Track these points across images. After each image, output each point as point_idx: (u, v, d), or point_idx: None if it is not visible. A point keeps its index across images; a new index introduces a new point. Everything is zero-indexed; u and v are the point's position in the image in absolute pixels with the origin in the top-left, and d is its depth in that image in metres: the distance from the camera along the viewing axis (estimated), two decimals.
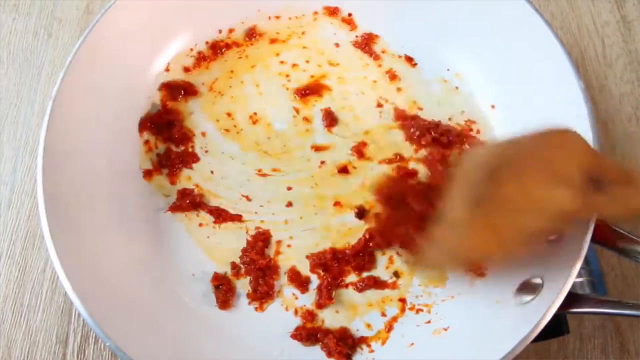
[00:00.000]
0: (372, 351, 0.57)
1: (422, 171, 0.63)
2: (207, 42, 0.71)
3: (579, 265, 0.49)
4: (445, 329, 0.56)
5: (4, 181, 0.68)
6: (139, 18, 0.65)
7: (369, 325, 0.58)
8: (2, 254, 0.65)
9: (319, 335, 0.57)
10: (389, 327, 0.58)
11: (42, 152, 0.54)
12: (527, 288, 0.53)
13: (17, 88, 0.74)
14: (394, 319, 0.58)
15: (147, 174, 0.64)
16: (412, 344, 0.56)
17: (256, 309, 0.59)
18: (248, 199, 0.63)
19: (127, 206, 0.62)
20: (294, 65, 0.71)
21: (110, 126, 0.63)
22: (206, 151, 0.66)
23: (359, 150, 0.65)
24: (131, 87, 0.66)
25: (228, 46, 0.71)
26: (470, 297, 0.58)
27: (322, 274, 0.60)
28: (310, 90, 0.69)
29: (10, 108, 0.72)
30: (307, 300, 0.59)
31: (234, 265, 0.60)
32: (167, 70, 0.68)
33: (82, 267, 0.53)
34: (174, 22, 0.68)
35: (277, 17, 0.72)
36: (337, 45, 0.72)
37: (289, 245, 0.61)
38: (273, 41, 0.72)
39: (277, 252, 0.61)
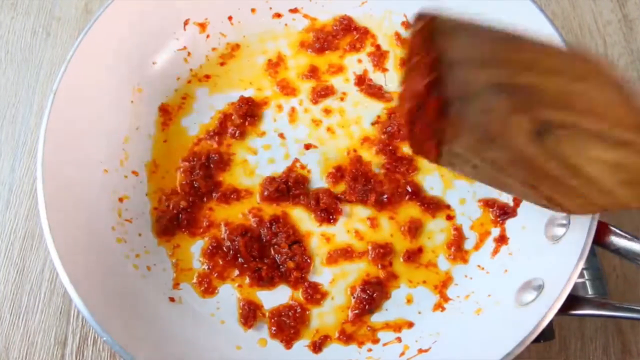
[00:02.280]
0: (370, 350, 0.57)
1: None
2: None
3: (580, 267, 0.49)
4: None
5: (2, 181, 0.68)
6: (137, 16, 0.65)
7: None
8: (0, 254, 0.64)
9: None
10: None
11: (42, 149, 0.55)
12: (528, 289, 0.53)
13: (16, 87, 0.73)
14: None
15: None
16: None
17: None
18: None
19: (127, 204, 0.62)
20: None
21: (111, 123, 0.63)
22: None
23: None
24: (131, 84, 0.66)
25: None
26: (471, 298, 0.58)
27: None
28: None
29: (9, 108, 0.72)
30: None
31: None
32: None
33: (81, 264, 0.53)
34: (172, 20, 0.68)
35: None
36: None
37: None
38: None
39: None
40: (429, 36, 0.46)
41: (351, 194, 0.62)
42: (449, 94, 0.48)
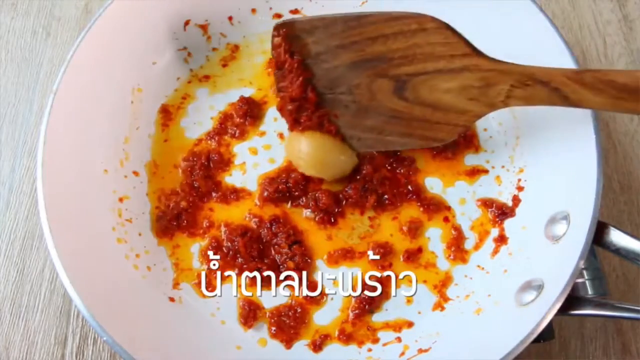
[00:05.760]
0: (370, 350, 0.57)
1: None
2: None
3: (580, 267, 0.49)
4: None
5: (2, 181, 0.68)
6: (138, 16, 0.65)
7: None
8: (0, 254, 0.64)
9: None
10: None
11: (42, 149, 0.55)
12: (528, 289, 0.53)
13: (16, 88, 0.73)
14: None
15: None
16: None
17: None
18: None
19: (127, 204, 0.62)
20: None
21: (111, 123, 0.64)
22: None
23: None
24: (131, 84, 0.66)
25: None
26: (470, 298, 0.58)
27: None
28: None
29: (9, 108, 0.72)
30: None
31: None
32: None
33: (81, 264, 0.53)
34: (172, 21, 0.68)
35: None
36: None
37: None
38: None
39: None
40: (289, 43, 0.57)
41: (351, 195, 0.62)
42: (320, 86, 0.59)
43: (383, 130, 0.60)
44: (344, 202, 0.63)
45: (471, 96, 0.56)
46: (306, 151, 0.61)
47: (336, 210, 0.62)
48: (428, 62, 0.56)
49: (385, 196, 0.63)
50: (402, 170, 0.64)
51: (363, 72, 0.57)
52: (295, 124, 0.60)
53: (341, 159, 0.62)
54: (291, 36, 0.57)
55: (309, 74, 0.58)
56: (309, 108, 0.59)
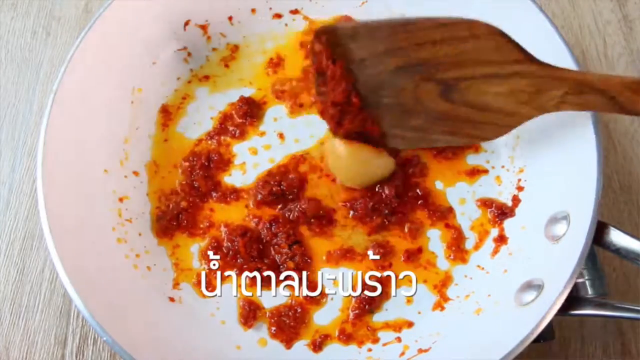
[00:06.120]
0: (370, 350, 0.57)
1: None
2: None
3: (580, 267, 0.49)
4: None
5: (2, 181, 0.68)
6: (137, 16, 0.65)
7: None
8: (0, 254, 0.64)
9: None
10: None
11: (42, 149, 0.55)
12: (528, 289, 0.53)
13: (16, 88, 0.73)
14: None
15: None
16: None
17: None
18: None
19: (127, 204, 0.62)
20: None
21: (111, 123, 0.64)
22: None
23: None
24: (131, 84, 0.66)
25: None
26: (470, 298, 0.58)
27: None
28: None
29: (9, 108, 0.72)
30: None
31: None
32: None
33: (81, 264, 0.53)
34: (172, 21, 0.69)
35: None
36: None
37: None
38: None
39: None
40: (332, 49, 0.56)
41: (357, 209, 0.62)
42: (364, 90, 0.58)
43: (428, 130, 0.59)
44: (351, 214, 0.62)
45: (522, 100, 0.55)
46: (346, 164, 0.61)
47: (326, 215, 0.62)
48: (477, 67, 0.54)
49: (392, 215, 0.62)
50: (413, 170, 0.64)
51: (409, 77, 0.56)
52: (337, 127, 0.59)
53: (377, 174, 0.62)
54: (333, 43, 0.56)
55: (351, 79, 0.57)
56: (351, 112, 0.58)
